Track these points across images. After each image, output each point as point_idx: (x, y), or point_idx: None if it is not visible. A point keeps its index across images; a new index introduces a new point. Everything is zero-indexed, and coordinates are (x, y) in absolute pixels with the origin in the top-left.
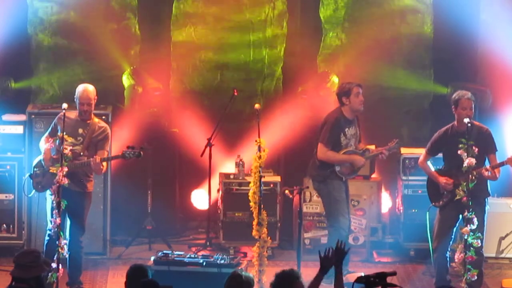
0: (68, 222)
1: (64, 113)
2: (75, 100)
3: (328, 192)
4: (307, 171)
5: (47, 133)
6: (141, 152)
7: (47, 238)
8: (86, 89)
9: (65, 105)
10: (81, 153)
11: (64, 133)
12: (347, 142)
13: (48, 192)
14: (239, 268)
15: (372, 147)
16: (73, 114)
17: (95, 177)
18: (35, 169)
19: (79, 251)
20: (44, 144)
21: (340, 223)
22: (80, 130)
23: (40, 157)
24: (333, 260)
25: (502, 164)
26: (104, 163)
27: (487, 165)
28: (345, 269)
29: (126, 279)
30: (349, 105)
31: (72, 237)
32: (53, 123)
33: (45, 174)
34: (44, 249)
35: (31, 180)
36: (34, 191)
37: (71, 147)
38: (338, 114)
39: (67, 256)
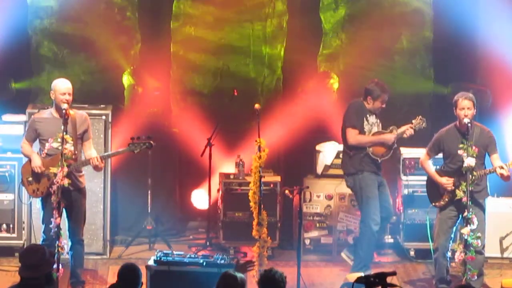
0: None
1: (66, 113)
2: (52, 95)
3: (360, 188)
4: (342, 168)
5: (24, 138)
6: (152, 142)
7: (41, 243)
8: (63, 79)
9: (65, 106)
10: (76, 152)
11: (65, 134)
12: (369, 128)
13: (38, 199)
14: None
15: None
16: (45, 114)
17: (94, 177)
18: (27, 178)
19: (82, 250)
20: (28, 149)
21: (370, 220)
22: (63, 126)
23: (29, 162)
24: None
25: (506, 166)
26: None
27: (488, 166)
28: (368, 269)
29: (117, 278)
30: (370, 106)
31: (74, 236)
32: (28, 127)
33: (40, 179)
34: None
35: (23, 188)
36: (31, 198)
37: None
38: (357, 100)
39: (67, 256)
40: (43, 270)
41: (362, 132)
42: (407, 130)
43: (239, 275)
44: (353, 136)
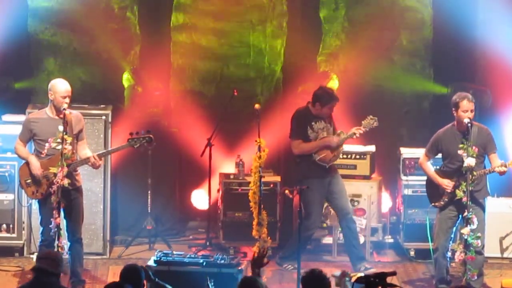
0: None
1: (64, 114)
2: (50, 95)
3: (304, 191)
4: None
5: (18, 139)
6: (151, 136)
7: (40, 243)
8: (63, 81)
9: (65, 106)
10: (74, 151)
11: (65, 134)
12: (315, 136)
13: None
14: (239, 268)
15: (372, 147)
16: (40, 114)
17: (94, 177)
18: (25, 180)
19: (81, 248)
20: (24, 152)
21: (308, 222)
22: (61, 128)
23: (26, 165)
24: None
25: (505, 166)
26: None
27: (487, 166)
28: (362, 265)
29: (119, 279)
30: (318, 112)
31: (73, 236)
32: (23, 127)
33: (40, 181)
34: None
35: (23, 190)
36: (30, 199)
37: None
38: (301, 109)
39: (67, 256)
40: (55, 265)
41: (306, 140)
42: (356, 130)
43: (260, 280)
44: (296, 146)
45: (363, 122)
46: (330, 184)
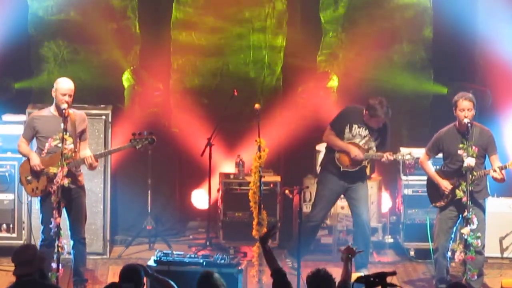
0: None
1: (66, 113)
2: (53, 93)
3: (318, 181)
4: None
5: (22, 137)
6: (154, 137)
7: (40, 243)
8: (67, 80)
9: (64, 106)
10: (75, 150)
11: (66, 133)
12: (350, 137)
13: (37, 198)
14: (239, 268)
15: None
16: (44, 112)
17: (94, 177)
18: (26, 177)
19: (84, 248)
20: (26, 148)
21: (311, 213)
22: (63, 126)
23: (27, 161)
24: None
25: (505, 167)
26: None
27: (487, 166)
28: (360, 271)
29: (119, 279)
30: (367, 119)
31: (76, 235)
32: (26, 125)
33: (39, 178)
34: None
35: (23, 187)
36: (30, 197)
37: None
38: (353, 106)
39: (67, 256)
40: (35, 265)
41: (340, 136)
42: (386, 156)
43: (215, 275)
44: (326, 134)
45: (399, 153)
46: (350, 189)
